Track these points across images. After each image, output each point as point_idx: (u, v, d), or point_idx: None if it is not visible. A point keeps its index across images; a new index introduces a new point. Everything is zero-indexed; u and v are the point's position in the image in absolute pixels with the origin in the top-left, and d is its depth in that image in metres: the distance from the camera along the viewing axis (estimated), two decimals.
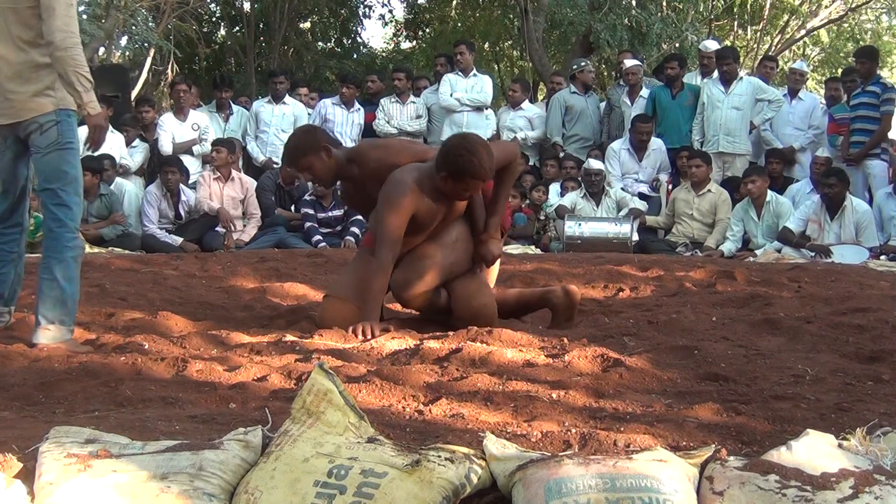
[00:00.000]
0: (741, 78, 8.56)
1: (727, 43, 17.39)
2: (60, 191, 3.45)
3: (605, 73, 15.44)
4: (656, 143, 8.52)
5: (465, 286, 3.74)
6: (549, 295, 3.97)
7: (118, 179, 8.30)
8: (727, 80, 8.39)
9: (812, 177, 7.98)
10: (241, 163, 8.81)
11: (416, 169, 3.65)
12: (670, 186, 8.45)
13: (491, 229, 3.80)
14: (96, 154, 8.08)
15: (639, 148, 8.45)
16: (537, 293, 4.09)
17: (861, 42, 17.39)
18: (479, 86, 8.87)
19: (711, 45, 9.30)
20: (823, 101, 9.31)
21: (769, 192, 7.66)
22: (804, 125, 8.77)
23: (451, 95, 8.79)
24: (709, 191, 7.82)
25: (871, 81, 8.08)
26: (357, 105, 9.12)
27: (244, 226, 8.06)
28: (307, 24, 18.36)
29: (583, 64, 9.52)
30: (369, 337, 3.38)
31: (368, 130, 9.03)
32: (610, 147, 8.71)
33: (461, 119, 8.78)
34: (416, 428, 2.22)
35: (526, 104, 9.44)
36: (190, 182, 8.32)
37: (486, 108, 8.95)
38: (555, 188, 8.52)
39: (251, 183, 8.24)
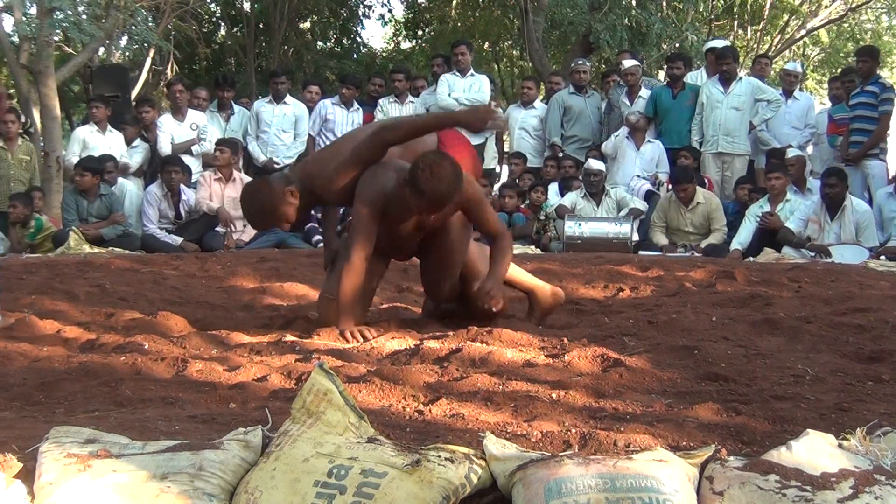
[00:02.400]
0: (740, 78, 8.58)
1: (728, 43, 17.32)
2: None
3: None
4: (652, 139, 8.58)
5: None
6: (537, 293, 3.99)
7: (119, 179, 8.31)
8: (726, 79, 8.40)
9: (791, 178, 8.00)
10: (241, 163, 8.81)
11: (393, 168, 3.58)
12: (670, 186, 8.47)
13: (489, 285, 3.61)
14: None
15: (634, 137, 8.50)
16: (526, 285, 4.05)
17: (861, 42, 17.41)
18: (477, 85, 8.88)
19: (720, 45, 9.33)
20: (825, 101, 9.34)
21: (787, 191, 7.69)
22: (800, 124, 8.79)
23: (448, 95, 8.80)
24: (698, 203, 7.82)
25: (870, 81, 8.09)
26: (356, 105, 9.14)
27: (244, 226, 8.06)
28: (307, 24, 18.37)
29: (579, 63, 9.55)
30: (361, 341, 3.36)
31: None
32: (609, 138, 8.78)
33: None
34: (416, 428, 2.22)
35: (537, 102, 9.47)
36: (192, 182, 8.32)
37: None
38: (554, 188, 8.53)
39: None
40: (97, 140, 8.52)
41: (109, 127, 8.69)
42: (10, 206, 7.68)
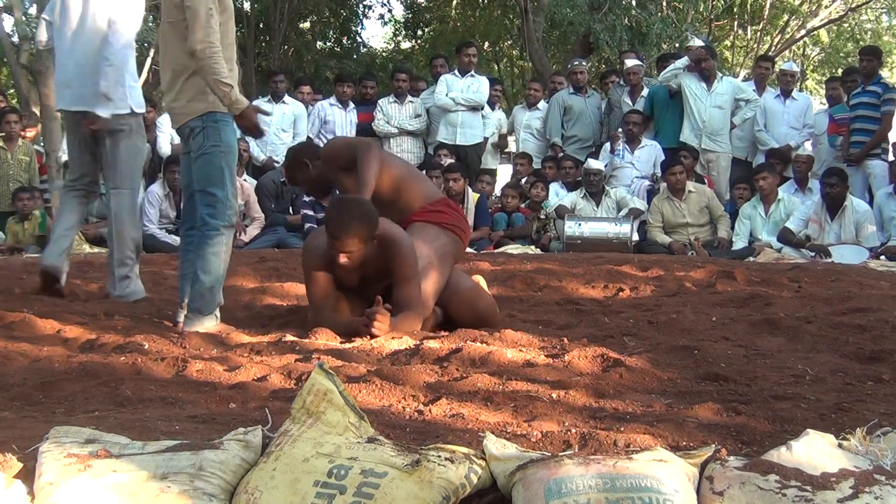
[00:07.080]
0: (721, 78, 8.60)
1: (727, 43, 17.36)
2: (207, 192, 3.71)
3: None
4: (650, 141, 8.58)
5: (462, 293, 3.75)
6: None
7: None
8: (706, 77, 8.40)
9: (796, 176, 8.00)
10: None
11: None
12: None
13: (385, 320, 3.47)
14: None
15: (631, 140, 8.50)
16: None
17: (861, 42, 17.42)
18: (476, 86, 8.87)
19: (698, 42, 9.36)
20: (824, 101, 9.34)
21: (779, 190, 7.69)
22: (798, 124, 8.80)
23: (446, 95, 8.79)
24: (690, 192, 7.83)
25: (872, 81, 8.11)
26: (352, 105, 9.15)
27: (246, 228, 8.06)
28: (307, 24, 18.37)
29: (576, 63, 9.56)
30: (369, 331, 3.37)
31: (360, 130, 9.07)
32: (606, 143, 8.78)
33: (456, 119, 8.80)
34: (416, 428, 2.22)
35: (542, 104, 9.47)
36: None
37: (482, 109, 8.96)
38: (555, 188, 8.53)
39: (249, 188, 8.22)
40: None
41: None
42: (19, 199, 7.79)
